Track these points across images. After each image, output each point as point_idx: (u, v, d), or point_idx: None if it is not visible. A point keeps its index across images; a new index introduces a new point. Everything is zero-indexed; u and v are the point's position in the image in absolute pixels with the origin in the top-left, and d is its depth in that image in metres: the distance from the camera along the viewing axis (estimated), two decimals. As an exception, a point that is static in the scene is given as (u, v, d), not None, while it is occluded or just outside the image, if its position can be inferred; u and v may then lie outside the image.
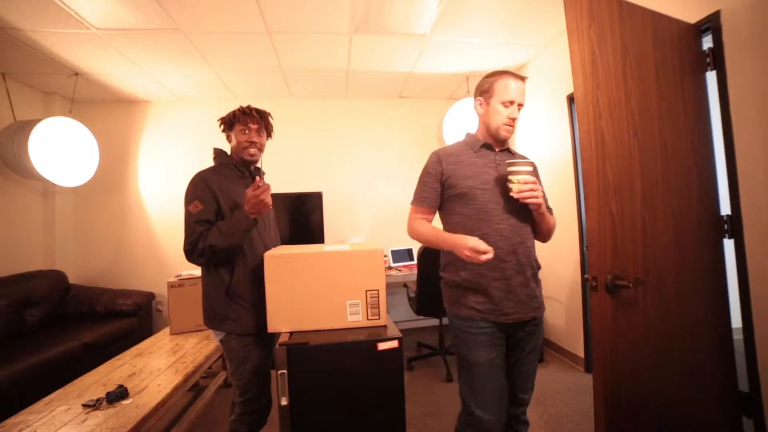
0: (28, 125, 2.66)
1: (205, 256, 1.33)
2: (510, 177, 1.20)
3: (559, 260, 2.91)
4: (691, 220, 1.47)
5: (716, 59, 1.54)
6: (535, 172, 1.32)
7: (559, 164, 2.84)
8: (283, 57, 2.90)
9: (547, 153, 2.99)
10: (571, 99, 2.66)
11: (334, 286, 1.36)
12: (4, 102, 2.86)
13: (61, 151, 2.79)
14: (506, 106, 1.27)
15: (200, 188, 1.39)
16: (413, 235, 1.38)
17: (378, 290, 1.38)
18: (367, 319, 1.37)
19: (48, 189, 3.26)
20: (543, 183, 1.36)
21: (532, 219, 1.29)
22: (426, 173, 1.36)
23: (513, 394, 1.33)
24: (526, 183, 1.17)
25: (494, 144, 1.34)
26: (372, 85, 3.63)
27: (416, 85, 3.66)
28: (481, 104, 1.34)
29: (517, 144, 3.46)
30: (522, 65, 3.28)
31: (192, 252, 1.34)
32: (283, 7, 2.25)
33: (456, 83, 3.64)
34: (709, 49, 1.57)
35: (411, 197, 1.42)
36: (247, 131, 1.48)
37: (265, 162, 4.08)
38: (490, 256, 1.12)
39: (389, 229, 3.91)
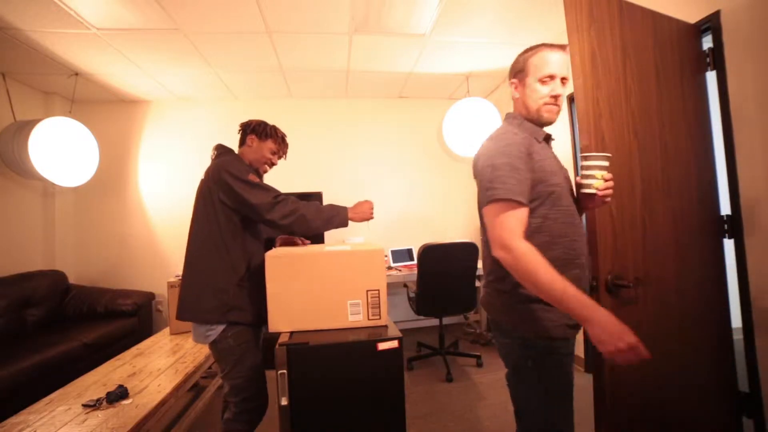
0: (28, 125, 2.66)
1: (291, 218, 1.38)
2: (591, 173, 1.03)
3: (559, 260, 2.91)
4: (691, 220, 1.47)
5: (716, 59, 1.54)
6: None
7: (559, 164, 2.84)
8: (283, 57, 2.90)
9: (547, 153, 2.99)
10: (571, 99, 2.65)
11: (335, 286, 1.36)
12: (4, 102, 2.86)
13: (61, 151, 2.79)
14: (545, 83, 1.06)
15: (246, 165, 1.48)
16: (520, 263, 0.92)
17: (379, 290, 1.38)
18: (368, 319, 1.38)
19: (48, 189, 3.26)
20: None
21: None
22: (512, 160, 0.99)
23: None
24: (607, 179, 1.02)
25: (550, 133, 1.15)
26: (372, 85, 3.63)
27: (416, 85, 3.66)
28: (516, 87, 1.14)
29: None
30: (522, 65, 3.28)
31: (276, 206, 1.37)
32: (283, 7, 2.25)
33: (456, 83, 3.64)
34: (709, 49, 1.57)
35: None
36: (276, 155, 1.61)
37: (265, 162, 4.02)
38: (647, 356, 0.81)
39: (389, 229, 3.90)
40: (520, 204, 0.96)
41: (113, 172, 3.54)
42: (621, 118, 1.32)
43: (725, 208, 1.56)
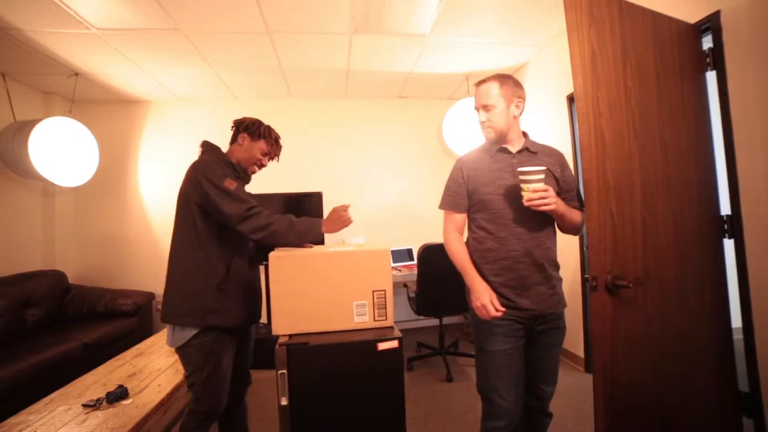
0: (28, 125, 2.66)
1: (262, 234, 1.34)
2: (521, 185, 1.21)
3: (559, 260, 2.91)
4: (691, 220, 1.47)
5: (716, 59, 1.54)
6: (559, 167, 1.36)
7: (559, 164, 2.84)
8: (283, 57, 2.90)
9: (547, 153, 2.99)
10: (571, 99, 2.65)
11: (340, 287, 1.35)
12: (4, 102, 2.86)
13: (61, 151, 2.79)
14: (478, 111, 1.36)
15: (225, 171, 1.40)
16: (446, 248, 1.42)
17: (385, 290, 1.37)
18: (374, 320, 1.36)
19: (48, 189, 3.26)
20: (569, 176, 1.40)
21: (550, 219, 1.33)
22: (450, 179, 1.43)
23: (537, 387, 1.36)
24: (536, 191, 1.18)
25: (508, 146, 1.36)
26: (372, 85, 3.63)
27: (416, 85, 3.66)
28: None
29: (517, 144, 3.45)
30: (522, 65, 3.28)
31: (248, 219, 1.32)
32: (283, 7, 2.25)
33: (456, 83, 3.64)
34: (709, 49, 1.57)
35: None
36: (267, 156, 1.55)
37: (265, 162, 4.03)
38: (497, 314, 1.22)
39: (389, 229, 3.90)
40: (451, 211, 1.42)
41: (113, 172, 3.54)
42: (621, 118, 1.32)
43: (725, 208, 1.56)
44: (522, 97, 1.35)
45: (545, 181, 1.21)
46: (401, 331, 1.33)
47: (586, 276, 1.25)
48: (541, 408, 1.39)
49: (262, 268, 1.62)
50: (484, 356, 1.33)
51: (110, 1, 2.07)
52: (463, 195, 1.38)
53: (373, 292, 1.36)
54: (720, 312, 1.53)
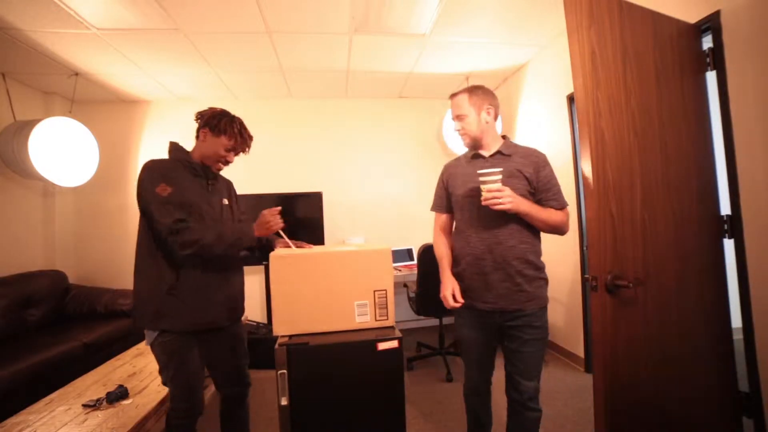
0: (28, 125, 2.66)
1: (191, 250, 1.28)
2: (480, 187, 1.30)
3: (559, 260, 2.91)
4: (691, 220, 1.47)
5: (716, 59, 1.54)
6: (532, 168, 1.41)
7: (559, 164, 2.84)
8: (283, 57, 2.90)
9: (547, 153, 2.98)
10: (571, 99, 2.65)
11: (341, 287, 1.35)
12: (4, 102, 2.86)
13: (61, 151, 2.79)
14: (454, 122, 1.48)
15: (162, 172, 1.34)
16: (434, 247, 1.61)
17: (386, 290, 1.37)
18: (375, 320, 1.36)
19: (48, 189, 3.26)
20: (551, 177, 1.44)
21: (517, 219, 1.36)
22: (438, 184, 1.61)
23: (515, 379, 1.40)
24: (489, 191, 1.27)
25: (483, 151, 1.47)
26: (372, 85, 3.63)
27: (416, 85, 3.66)
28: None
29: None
30: (522, 65, 3.28)
31: (175, 233, 1.27)
32: (283, 7, 2.25)
33: (456, 83, 3.63)
34: (709, 49, 1.57)
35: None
36: (232, 152, 1.46)
37: (264, 162, 4.09)
38: (455, 305, 1.39)
39: (389, 229, 3.90)
40: (437, 212, 1.61)
41: (113, 172, 3.53)
42: (621, 117, 1.32)
43: (725, 208, 1.56)
44: (492, 104, 1.43)
45: (511, 182, 1.32)
46: (401, 331, 1.33)
47: (586, 276, 1.25)
48: (522, 402, 1.40)
49: (261, 268, 1.62)
50: (459, 339, 1.57)
51: (110, 1, 2.07)
52: (444, 197, 1.56)
53: (374, 291, 1.36)
54: (720, 312, 1.53)
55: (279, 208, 1.40)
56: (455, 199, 1.49)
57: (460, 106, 1.43)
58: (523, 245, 1.37)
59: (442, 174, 1.60)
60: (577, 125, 1.90)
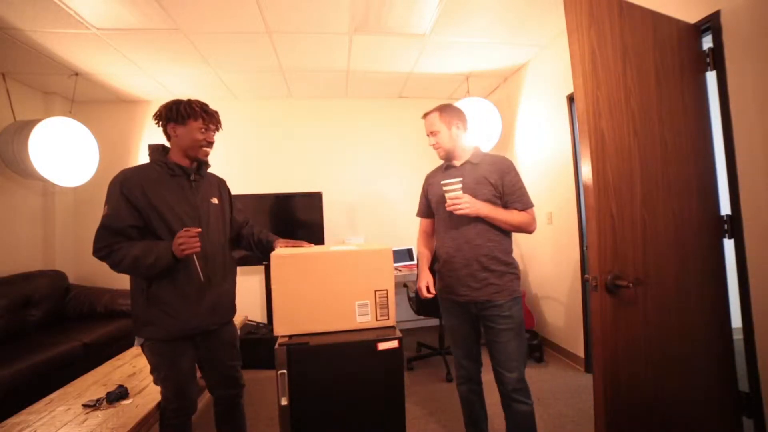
0: (28, 125, 2.66)
1: (117, 270, 1.32)
2: (445, 194, 1.47)
3: (559, 260, 2.91)
4: (691, 220, 1.47)
5: (716, 59, 1.54)
6: (497, 175, 1.55)
7: (559, 164, 2.84)
8: (283, 57, 2.90)
9: (548, 153, 3.00)
10: (571, 99, 2.65)
11: (342, 287, 1.34)
12: (4, 102, 2.86)
13: (61, 151, 2.79)
14: (429, 137, 1.66)
15: (115, 192, 1.33)
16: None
17: (387, 290, 1.37)
18: (376, 320, 1.36)
19: (48, 189, 3.26)
20: (529, 181, 1.55)
21: (482, 221, 1.51)
22: (421, 192, 1.81)
23: (497, 371, 1.53)
24: (450, 199, 1.45)
25: (456, 161, 1.64)
26: (372, 85, 3.63)
27: (416, 85, 3.66)
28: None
29: (517, 144, 3.46)
30: (522, 65, 3.28)
31: (104, 259, 1.31)
32: (283, 7, 2.25)
33: (456, 83, 3.64)
34: (709, 49, 1.57)
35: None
36: (205, 130, 1.42)
37: (265, 162, 4.09)
38: (428, 296, 1.58)
39: (389, 229, 3.90)
40: (420, 217, 1.81)
41: (113, 172, 3.47)
42: (621, 117, 1.32)
43: (725, 208, 1.56)
44: (461, 120, 1.60)
45: (478, 188, 1.51)
46: (401, 331, 1.33)
47: (586, 276, 1.25)
48: (507, 394, 1.50)
49: (261, 268, 1.61)
50: (447, 331, 1.72)
51: (110, 1, 2.07)
52: (425, 204, 1.76)
53: (375, 291, 1.36)
54: (720, 312, 1.53)
55: (198, 229, 1.33)
56: (433, 205, 1.68)
57: (432, 123, 1.61)
58: (490, 243, 1.52)
59: (424, 183, 1.79)
60: (577, 125, 1.90)
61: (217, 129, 1.49)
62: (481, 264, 1.51)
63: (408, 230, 3.93)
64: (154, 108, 3.87)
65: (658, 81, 1.43)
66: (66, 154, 2.84)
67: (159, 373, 1.39)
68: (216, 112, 1.48)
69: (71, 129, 2.89)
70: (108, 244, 1.31)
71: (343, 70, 3.21)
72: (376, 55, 2.97)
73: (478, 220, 1.51)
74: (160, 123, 1.44)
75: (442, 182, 1.47)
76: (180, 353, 1.39)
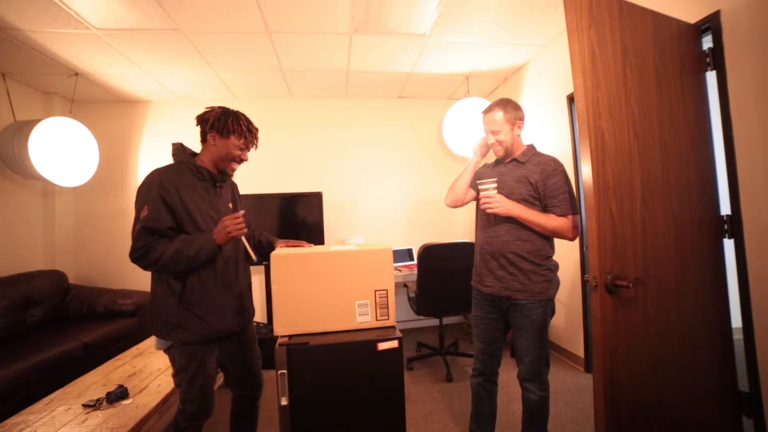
0: (28, 125, 2.66)
1: (154, 268, 1.31)
2: (479, 193, 1.53)
3: (559, 260, 2.91)
4: (691, 220, 1.47)
5: (716, 59, 1.54)
6: (539, 175, 1.53)
7: (559, 164, 2.84)
8: (283, 57, 2.90)
9: (548, 153, 2.99)
10: (571, 99, 2.65)
11: (342, 287, 1.34)
12: (4, 102, 2.86)
13: (61, 151, 2.79)
14: (487, 135, 1.64)
15: (154, 193, 1.32)
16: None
17: (387, 290, 1.37)
18: (376, 320, 1.36)
19: (48, 189, 3.26)
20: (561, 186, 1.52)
21: (516, 222, 1.53)
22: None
23: (517, 358, 1.59)
24: (482, 197, 1.50)
25: (504, 159, 1.64)
26: (372, 85, 3.63)
27: (416, 85, 3.66)
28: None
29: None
30: (522, 65, 3.28)
31: (139, 260, 1.30)
32: (283, 7, 2.25)
33: (456, 83, 3.64)
34: (709, 49, 1.57)
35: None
36: (244, 150, 1.45)
37: (264, 162, 4.11)
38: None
39: (389, 229, 3.90)
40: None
41: (113, 172, 3.54)
42: (621, 117, 1.32)
43: (725, 208, 1.56)
44: (522, 118, 1.59)
45: (516, 186, 1.52)
46: (401, 331, 1.33)
47: (586, 276, 1.25)
48: (520, 381, 1.58)
49: (262, 268, 1.62)
50: (472, 322, 1.76)
51: (110, 1, 2.07)
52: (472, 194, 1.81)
53: (375, 291, 1.36)
54: (720, 312, 1.53)
55: (243, 212, 1.36)
56: (477, 200, 1.69)
57: (495, 122, 1.56)
58: (519, 242, 1.53)
59: (474, 176, 1.78)
60: (577, 125, 1.90)
61: (254, 148, 1.50)
62: (507, 260, 1.54)
63: (408, 230, 3.93)
64: (154, 108, 3.89)
65: (658, 81, 1.43)
66: (66, 154, 2.84)
67: (186, 374, 1.37)
68: (257, 130, 1.49)
69: (71, 129, 2.89)
70: (146, 243, 1.30)
71: (343, 70, 3.21)
72: (376, 56, 2.97)
73: (510, 219, 1.53)
74: (203, 127, 1.43)
75: (478, 181, 1.53)
76: (209, 353, 1.41)
